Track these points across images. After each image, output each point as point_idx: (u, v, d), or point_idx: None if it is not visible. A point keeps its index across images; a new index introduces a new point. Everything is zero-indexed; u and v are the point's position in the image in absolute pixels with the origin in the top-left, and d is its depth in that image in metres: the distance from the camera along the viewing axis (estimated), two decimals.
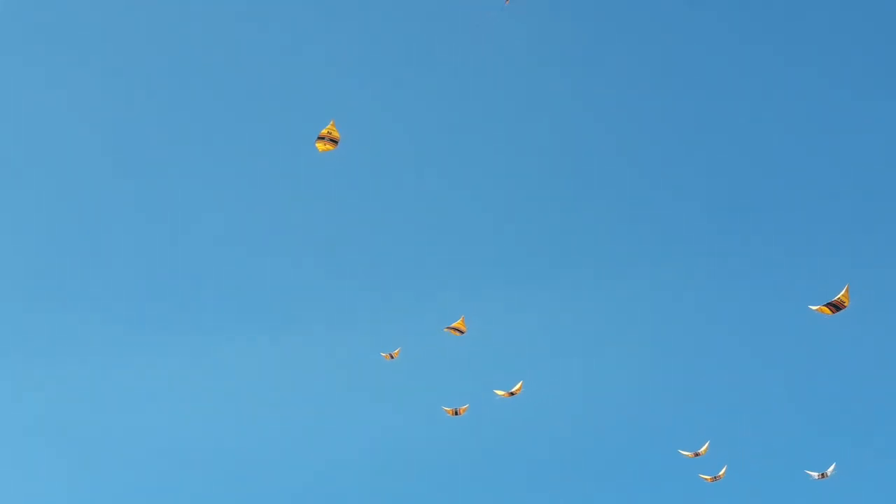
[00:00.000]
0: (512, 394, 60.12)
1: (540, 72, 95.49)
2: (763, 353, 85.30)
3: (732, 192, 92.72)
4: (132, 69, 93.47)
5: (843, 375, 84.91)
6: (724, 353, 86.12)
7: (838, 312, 52.00)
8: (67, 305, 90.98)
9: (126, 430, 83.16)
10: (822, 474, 63.48)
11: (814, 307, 51.74)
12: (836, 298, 51.63)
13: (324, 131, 51.31)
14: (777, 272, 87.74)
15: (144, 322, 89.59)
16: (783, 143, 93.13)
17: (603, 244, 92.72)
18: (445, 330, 59.44)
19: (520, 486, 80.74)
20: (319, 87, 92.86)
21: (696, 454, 65.24)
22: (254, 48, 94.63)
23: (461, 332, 59.32)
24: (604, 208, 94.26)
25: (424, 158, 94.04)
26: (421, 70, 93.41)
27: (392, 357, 62.48)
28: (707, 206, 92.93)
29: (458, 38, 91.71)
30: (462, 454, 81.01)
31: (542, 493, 79.94)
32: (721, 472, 63.80)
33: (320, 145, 51.62)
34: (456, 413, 62.21)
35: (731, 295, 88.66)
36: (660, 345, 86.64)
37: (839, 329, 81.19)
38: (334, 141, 51.50)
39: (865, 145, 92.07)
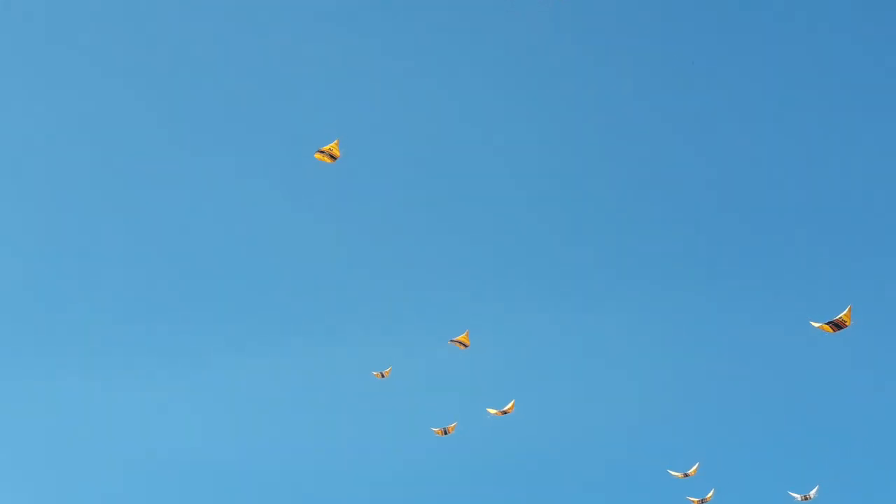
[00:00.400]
0: (504, 412, 59.78)
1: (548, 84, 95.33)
2: (753, 377, 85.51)
3: (733, 210, 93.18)
4: (139, 74, 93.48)
5: (829, 399, 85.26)
6: (713, 375, 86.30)
7: (839, 331, 52.28)
8: (71, 318, 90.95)
9: (128, 445, 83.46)
10: (805, 496, 63.60)
11: (816, 324, 51.99)
12: (838, 317, 51.81)
13: (326, 147, 51.96)
14: (772, 295, 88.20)
15: (144, 340, 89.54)
16: (790, 160, 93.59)
17: (600, 266, 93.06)
18: (450, 343, 59.19)
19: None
20: (324, 92, 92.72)
21: (686, 475, 65.28)
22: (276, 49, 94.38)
23: (465, 345, 59.03)
24: (603, 227, 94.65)
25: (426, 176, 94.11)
26: (429, 81, 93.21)
27: (383, 376, 61.94)
28: (704, 228, 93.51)
29: (478, 42, 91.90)
30: (457, 471, 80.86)
31: None
32: (709, 496, 63.70)
33: (319, 156, 52.43)
34: (445, 432, 61.70)
35: (724, 318, 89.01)
36: (651, 366, 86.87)
37: (831, 352, 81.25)
38: (332, 157, 52.22)
39: (866, 165, 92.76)
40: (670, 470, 65.67)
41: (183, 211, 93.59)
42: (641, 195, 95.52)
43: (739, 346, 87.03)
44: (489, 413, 60.48)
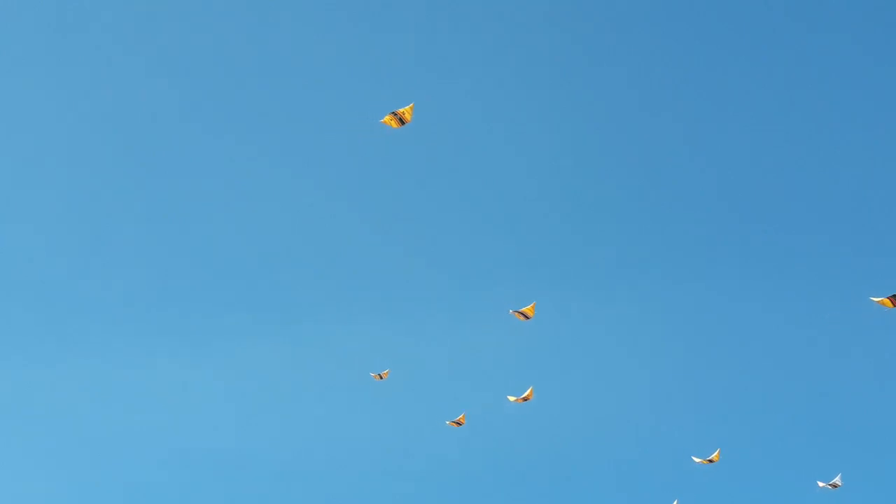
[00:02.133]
0: (525, 399, 62.34)
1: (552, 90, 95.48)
2: (775, 359, 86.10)
3: (753, 198, 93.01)
4: (142, 68, 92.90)
5: (857, 383, 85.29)
6: (735, 358, 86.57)
7: None
8: (77, 307, 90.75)
9: (138, 432, 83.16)
10: (833, 484, 65.06)
11: (876, 299, 52.11)
12: None
13: (400, 111, 49.91)
14: (796, 278, 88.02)
15: (154, 323, 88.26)
16: (814, 154, 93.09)
17: (616, 251, 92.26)
18: (511, 312, 59.19)
19: (529, 494, 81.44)
20: (344, 81, 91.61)
21: (710, 460, 66.47)
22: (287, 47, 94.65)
23: (527, 317, 58.76)
24: (619, 214, 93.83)
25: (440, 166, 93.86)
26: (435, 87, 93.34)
27: (381, 377, 62.79)
28: (725, 211, 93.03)
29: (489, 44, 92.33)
30: (479, 459, 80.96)
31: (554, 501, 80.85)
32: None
33: (389, 119, 50.26)
34: (458, 424, 62.78)
35: (746, 301, 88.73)
36: (670, 351, 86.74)
37: (854, 336, 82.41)
38: (402, 122, 50.08)
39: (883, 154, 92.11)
40: (694, 457, 67.02)
41: (204, 200, 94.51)
42: (670, 181, 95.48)
43: (764, 327, 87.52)
44: (509, 400, 62.80)
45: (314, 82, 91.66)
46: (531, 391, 62.00)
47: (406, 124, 50.14)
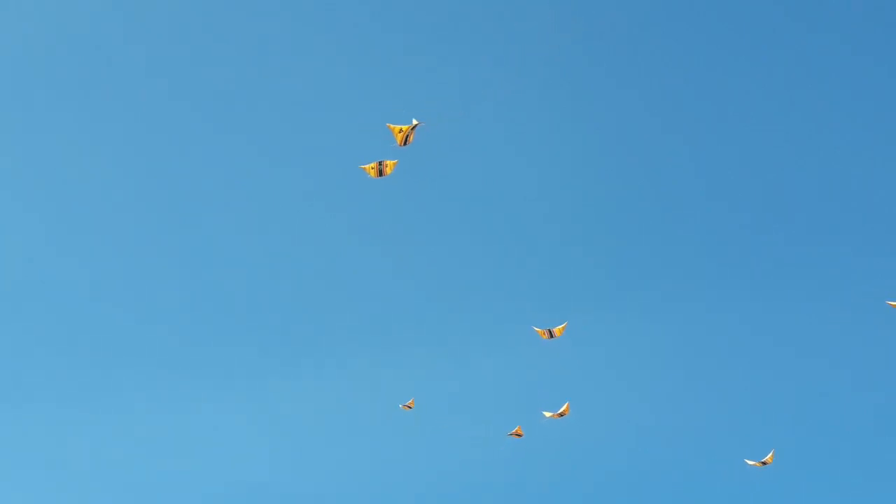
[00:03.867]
0: (561, 415, 60.31)
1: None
2: (821, 358, 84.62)
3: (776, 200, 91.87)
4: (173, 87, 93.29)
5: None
6: (781, 363, 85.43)
7: None
8: (108, 350, 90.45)
9: (176, 475, 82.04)
10: (763, 462, 62.99)
11: (893, 303, 50.55)
12: None
13: (385, 162, 47.75)
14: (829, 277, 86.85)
15: (185, 366, 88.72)
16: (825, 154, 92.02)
17: (652, 267, 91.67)
18: (536, 330, 58.22)
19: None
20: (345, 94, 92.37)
21: (763, 463, 64.81)
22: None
23: (553, 336, 57.42)
24: (649, 231, 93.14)
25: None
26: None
27: (409, 408, 61.78)
28: (752, 217, 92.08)
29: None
30: (520, 476, 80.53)
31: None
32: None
33: (370, 167, 48.00)
34: (518, 436, 61.62)
35: (787, 307, 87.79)
36: (716, 355, 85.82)
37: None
38: (381, 173, 47.53)
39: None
40: (748, 460, 65.33)
41: (232, 243, 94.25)
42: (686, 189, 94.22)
43: (803, 331, 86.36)
44: (545, 416, 61.41)
45: (350, 116, 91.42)
46: (567, 407, 60.29)
47: (384, 176, 47.50)
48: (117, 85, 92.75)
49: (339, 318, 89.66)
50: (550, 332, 57.60)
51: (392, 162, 47.64)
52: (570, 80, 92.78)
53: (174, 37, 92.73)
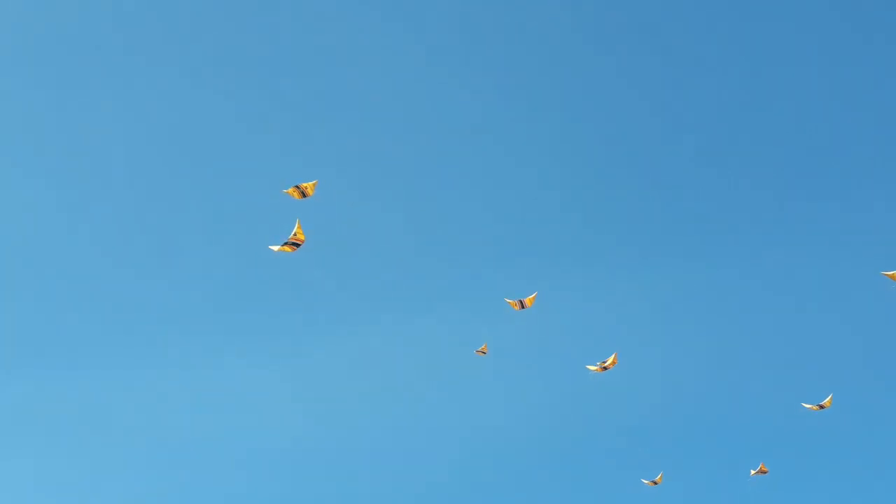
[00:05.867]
0: (605, 368, 57.43)
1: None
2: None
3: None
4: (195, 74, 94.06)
5: None
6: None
7: None
8: (144, 314, 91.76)
9: (219, 435, 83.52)
10: (820, 405, 62.37)
11: (888, 273, 50.05)
12: None
13: (303, 185, 49.47)
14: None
15: (235, 326, 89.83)
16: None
17: (688, 227, 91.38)
18: (508, 301, 57.22)
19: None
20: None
21: (821, 406, 63.17)
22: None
23: (524, 306, 57.00)
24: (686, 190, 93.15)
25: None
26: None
27: (483, 353, 60.66)
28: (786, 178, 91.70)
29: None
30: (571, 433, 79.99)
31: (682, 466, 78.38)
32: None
33: (292, 190, 50.21)
34: (605, 368, 60.09)
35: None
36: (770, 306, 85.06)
37: None
38: (304, 195, 49.89)
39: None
40: (804, 403, 63.28)
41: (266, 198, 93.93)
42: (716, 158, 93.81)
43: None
44: (589, 370, 58.39)
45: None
46: (614, 357, 57.28)
47: (307, 197, 49.62)
48: (117, 85, 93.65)
49: (368, 277, 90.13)
50: (521, 302, 56.96)
51: (311, 183, 50.19)
52: (574, 59, 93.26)
53: (174, 37, 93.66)
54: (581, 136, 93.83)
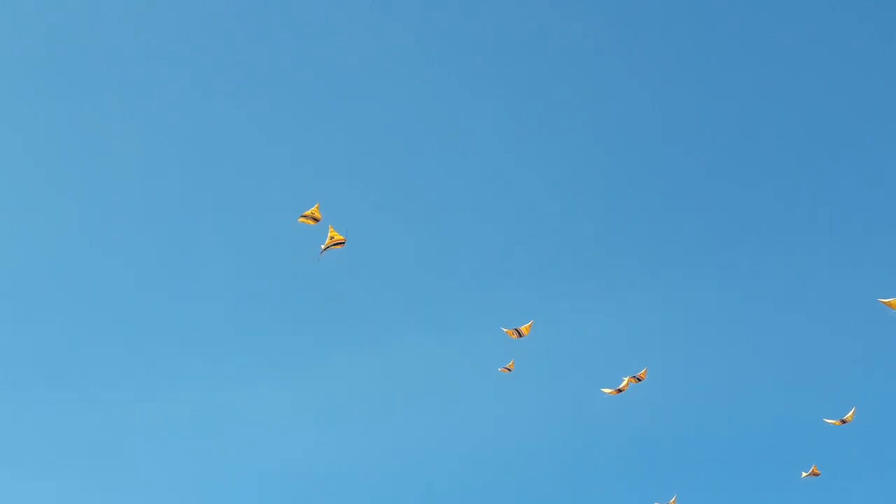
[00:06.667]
0: (620, 391, 56.08)
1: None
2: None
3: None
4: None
5: None
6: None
7: None
8: (178, 325, 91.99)
9: (244, 449, 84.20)
10: (843, 420, 62.39)
11: (884, 301, 49.51)
12: None
13: (308, 212, 53.20)
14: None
15: (251, 344, 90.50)
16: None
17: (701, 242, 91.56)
18: (505, 330, 56.40)
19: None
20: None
21: (843, 421, 62.15)
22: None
23: (521, 335, 56.07)
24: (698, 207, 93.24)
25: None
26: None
27: (509, 370, 59.74)
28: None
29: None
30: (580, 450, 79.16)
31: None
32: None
33: (303, 220, 53.74)
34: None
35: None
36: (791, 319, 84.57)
37: None
38: (315, 220, 53.25)
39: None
40: (826, 419, 62.17)
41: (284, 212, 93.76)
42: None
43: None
44: (604, 393, 56.99)
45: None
46: (627, 382, 56.00)
47: (319, 221, 53.12)
48: (117, 84, 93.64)
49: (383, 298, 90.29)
50: (518, 331, 56.87)
51: (315, 207, 53.88)
52: (579, 65, 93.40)
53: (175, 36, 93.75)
54: (599, 159, 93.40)
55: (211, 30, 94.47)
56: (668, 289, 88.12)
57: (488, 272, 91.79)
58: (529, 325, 56.47)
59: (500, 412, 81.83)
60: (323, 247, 52.39)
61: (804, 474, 63.20)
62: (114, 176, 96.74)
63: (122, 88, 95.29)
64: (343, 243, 52.35)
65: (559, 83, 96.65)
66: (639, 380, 55.45)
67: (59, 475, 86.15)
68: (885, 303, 50.38)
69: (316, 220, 53.86)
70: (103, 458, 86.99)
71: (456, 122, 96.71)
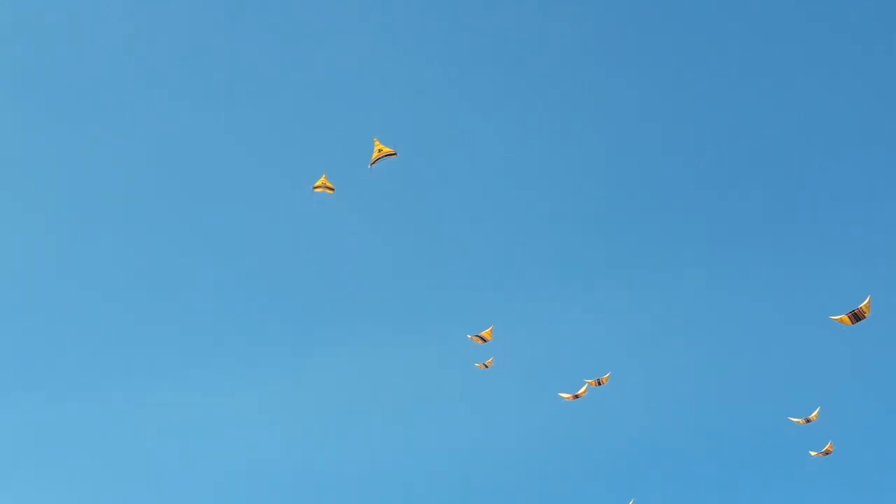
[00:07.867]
0: (577, 397, 58.47)
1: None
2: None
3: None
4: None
5: None
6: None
7: (858, 322, 49.85)
8: (164, 326, 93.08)
9: (226, 450, 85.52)
10: (807, 419, 62.95)
11: (835, 317, 49.93)
12: (857, 308, 49.20)
13: (319, 182, 52.21)
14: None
15: (236, 344, 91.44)
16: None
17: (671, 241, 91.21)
18: (470, 337, 58.34)
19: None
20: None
21: (808, 420, 63.91)
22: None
23: (485, 340, 58.22)
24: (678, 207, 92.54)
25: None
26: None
27: (487, 367, 61.80)
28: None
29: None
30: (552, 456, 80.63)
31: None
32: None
33: (318, 189, 54.32)
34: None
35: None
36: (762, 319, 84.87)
37: None
38: (330, 188, 53.28)
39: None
40: (791, 417, 64.20)
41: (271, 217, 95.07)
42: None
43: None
44: (561, 398, 59.34)
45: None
46: (585, 389, 58.42)
47: (333, 191, 53.86)
48: (117, 84, 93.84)
49: (355, 304, 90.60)
50: (481, 336, 58.11)
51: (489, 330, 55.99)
52: (566, 67, 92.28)
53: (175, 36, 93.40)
54: (595, 163, 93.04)
55: (200, 28, 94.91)
56: (650, 289, 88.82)
57: (464, 273, 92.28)
58: (490, 330, 58.52)
59: (478, 413, 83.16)
60: (373, 159, 52.99)
61: (813, 453, 64.83)
62: (93, 180, 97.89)
63: (122, 88, 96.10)
64: (394, 154, 53.21)
65: (535, 80, 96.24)
66: (600, 384, 57.58)
67: (45, 475, 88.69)
68: (836, 319, 51.37)
69: (330, 188, 54.75)
70: (87, 458, 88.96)
71: (430, 123, 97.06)
